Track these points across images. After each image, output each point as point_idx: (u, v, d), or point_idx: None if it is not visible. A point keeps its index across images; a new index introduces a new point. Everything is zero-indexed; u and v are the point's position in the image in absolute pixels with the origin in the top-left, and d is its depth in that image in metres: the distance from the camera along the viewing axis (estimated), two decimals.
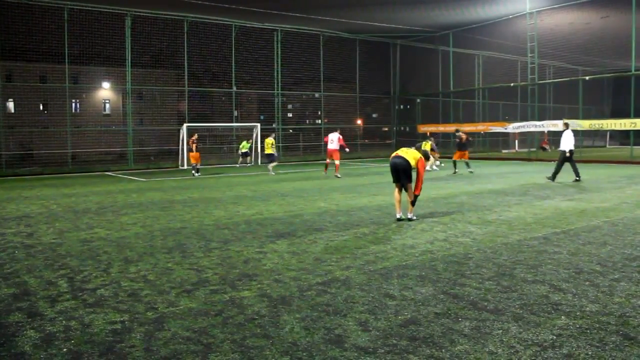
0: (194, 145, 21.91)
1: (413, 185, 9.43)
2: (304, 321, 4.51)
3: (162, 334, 4.27)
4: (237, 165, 28.48)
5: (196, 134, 22.40)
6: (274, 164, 22.65)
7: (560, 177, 16.46)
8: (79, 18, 25.70)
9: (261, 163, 28.17)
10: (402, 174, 9.37)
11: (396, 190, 9.62)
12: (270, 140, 22.77)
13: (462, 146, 21.11)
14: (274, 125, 33.41)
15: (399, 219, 9.53)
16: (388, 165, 9.81)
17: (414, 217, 9.61)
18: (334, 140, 20.06)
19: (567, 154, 16.37)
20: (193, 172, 21.93)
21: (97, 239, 8.27)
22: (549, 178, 16.57)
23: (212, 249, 7.45)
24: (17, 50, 26.43)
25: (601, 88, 49.20)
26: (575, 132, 32.31)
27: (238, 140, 32.25)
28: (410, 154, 9.44)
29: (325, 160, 21.52)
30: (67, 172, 24.81)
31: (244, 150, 28.54)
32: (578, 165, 16.67)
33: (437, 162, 24.73)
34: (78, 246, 7.77)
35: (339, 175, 19.58)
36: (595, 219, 9.41)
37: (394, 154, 9.63)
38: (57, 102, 29.33)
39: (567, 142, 16.42)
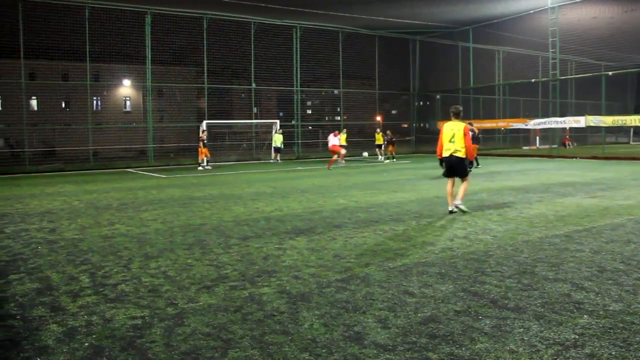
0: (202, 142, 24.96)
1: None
2: (323, 318, 4.51)
3: (182, 329, 4.30)
4: (272, 160, 28.52)
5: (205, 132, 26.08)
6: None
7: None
8: (100, 16, 26.04)
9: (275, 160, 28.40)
10: (458, 169, 9.68)
11: (449, 183, 9.89)
12: (344, 135, 27.00)
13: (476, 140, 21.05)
14: (292, 122, 33.42)
15: (451, 212, 9.70)
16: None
17: (466, 209, 9.73)
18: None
19: None
20: (203, 166, 24.56)
21: (118, 235, 8.36)
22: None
23: (231, 245, 7.48)
24: (40, 49, 26.83)
25: (625, 83, 48.34)
26: (598, 129, 32.06)
27: (263, 136, 32.36)
28: (458, 139, 9.47)
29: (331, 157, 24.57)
30: (89, 168, 25.12)
31: (277, 145, 28.48)
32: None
33: (381, 157, 28.45)
34: (99, 242, 7.87)
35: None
36: (619, 217, 9.26)
37: (444, 147, 9.63)
38: (79, 100, 29.75)
39: None
